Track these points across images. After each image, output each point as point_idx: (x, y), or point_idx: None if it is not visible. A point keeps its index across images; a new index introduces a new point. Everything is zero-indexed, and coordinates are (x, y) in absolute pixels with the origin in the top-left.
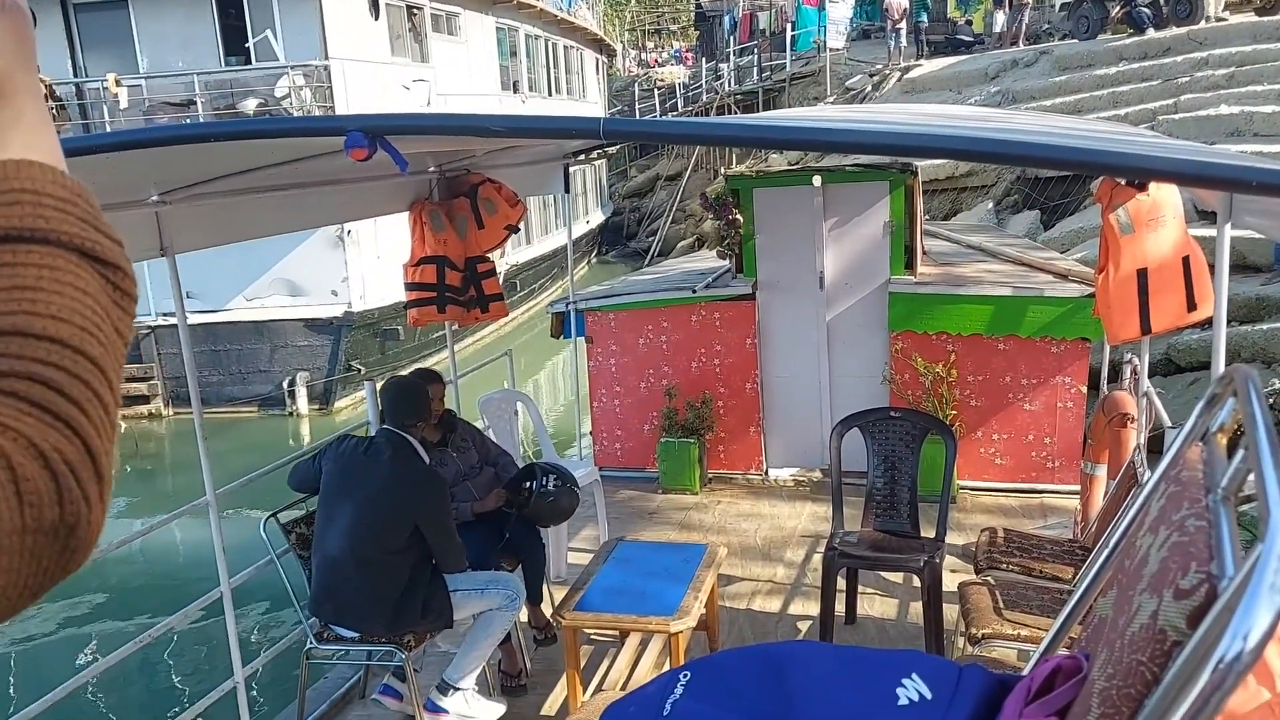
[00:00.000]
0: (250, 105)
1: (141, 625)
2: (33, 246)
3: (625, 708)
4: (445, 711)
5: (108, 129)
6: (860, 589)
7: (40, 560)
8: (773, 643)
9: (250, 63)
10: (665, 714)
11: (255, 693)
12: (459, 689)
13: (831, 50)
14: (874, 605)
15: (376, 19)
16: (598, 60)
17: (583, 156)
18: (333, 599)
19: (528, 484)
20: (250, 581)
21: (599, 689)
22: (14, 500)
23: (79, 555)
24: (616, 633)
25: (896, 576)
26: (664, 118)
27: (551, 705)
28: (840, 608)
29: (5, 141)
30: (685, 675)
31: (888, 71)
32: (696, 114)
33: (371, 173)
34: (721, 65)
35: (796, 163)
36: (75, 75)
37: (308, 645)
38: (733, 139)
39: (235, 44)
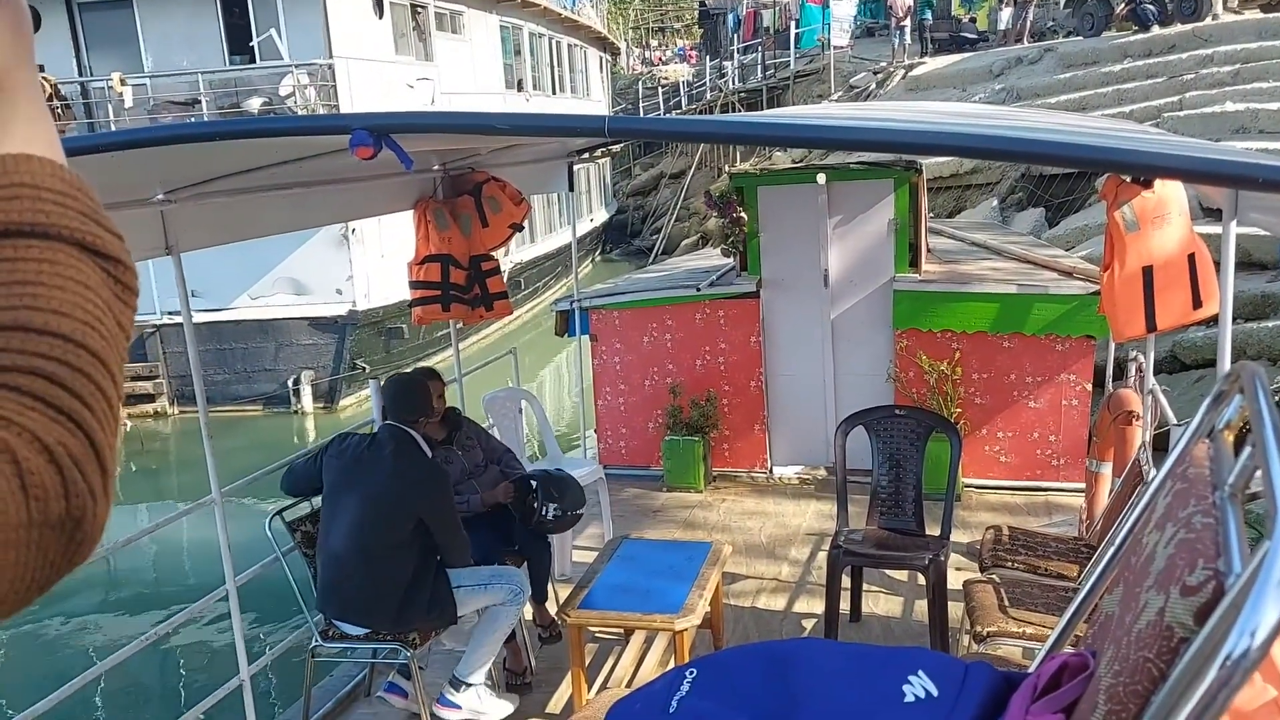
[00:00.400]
0: (255, 104)
1: (147, 622)
2: (33, 241)
3: (631, 705)
4: (458, 707)
5: (113, 128)
6: (865, 587)
7: (47, 554)
8: (778, 640)
9: (255, 62)
10: (671, 711)
11: (261, 691)
12: (470, 684)
13: (835, 48)
14: (879, 603)
15: (380, 17)
16: (601, 58)
17: (587, 155)
18: (338, 595)
19: (532, 496)
20: (255, 579)
21: (604, 687)
22: (20, 494)
23: (85, 548)
24: (621, 631)
25: (901, 574)
26: (668, 116)
27: (557, 703)
28: (845, 606)
29: (3, 136)
30: (691, 673)
31: (892, 69)
32: (700, 112)
33: (376, 171)
34: (725, 63)
35: (801, 161)
36: (80, 74)
37: (313, 643)
38: (737, 136)
39: (240, 43)
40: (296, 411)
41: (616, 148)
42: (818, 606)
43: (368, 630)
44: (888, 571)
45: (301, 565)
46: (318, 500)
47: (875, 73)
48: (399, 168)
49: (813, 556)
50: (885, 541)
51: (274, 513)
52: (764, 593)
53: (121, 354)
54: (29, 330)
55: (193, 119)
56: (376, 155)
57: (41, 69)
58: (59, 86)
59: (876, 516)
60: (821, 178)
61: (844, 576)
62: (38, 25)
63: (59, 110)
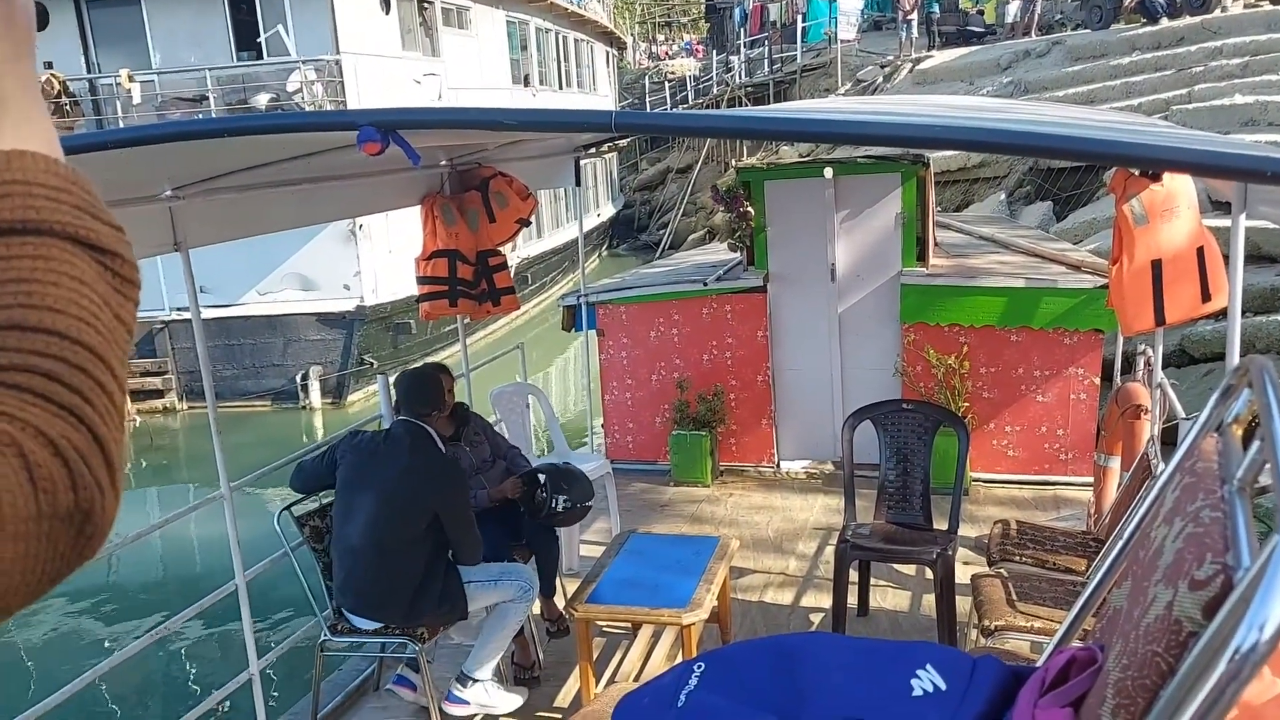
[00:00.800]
0: (262, 100)
1: (157, 617)
2: (26, 238)
3: (639, 699)
4: (466, 703)
5: (121, 125)
6: (873, 581)
7: (57, 546)
8: (785, 635)
9: (262, 58)
10: (680, 705)
11: (270, 684)
12: (478, 680)
13: (842, 42)
14: (886, 597)
15: (387, 13)
16: (608, 53)
17: (594, 150)
18: (352, 588)
19: (541, 490)
20: (265, 574)
21: (612, 681)
22: (28, 487)
23: (95, 541)
24: (629, 625)
25: (909, 569)
26: (675, 111)
27: (564, 697)
28: (853, 600)
29: None
30: (699, 667)
31: (899, 63)
32: (707, 106)
33: (383, 167)
34: (732, 58)
35: (808, 155)
36: (88, 71)
37: (322, 637)
38: (744, 131)
39: (247, 39)
40: (305, 407)
41: (623, 143)
42: (825, 601)
43: (378, 625)
44: (895, 566)
45: (310, 560)
46: (327, 495)
47: (882, 66)
48: (406, 163)
49: (820, 551)
50: (893, 536)
51: (282, 507)
52: (771, 587)
53: (122, 348)
54: (24, 329)
55: (200, 115)
56: (384, 151)
57: (50, 66)
58: (67, 83)
59: (884, 511)
60: (828, 172)
61: (852, 571)
62: (45, 22)
63: (67, 107)
